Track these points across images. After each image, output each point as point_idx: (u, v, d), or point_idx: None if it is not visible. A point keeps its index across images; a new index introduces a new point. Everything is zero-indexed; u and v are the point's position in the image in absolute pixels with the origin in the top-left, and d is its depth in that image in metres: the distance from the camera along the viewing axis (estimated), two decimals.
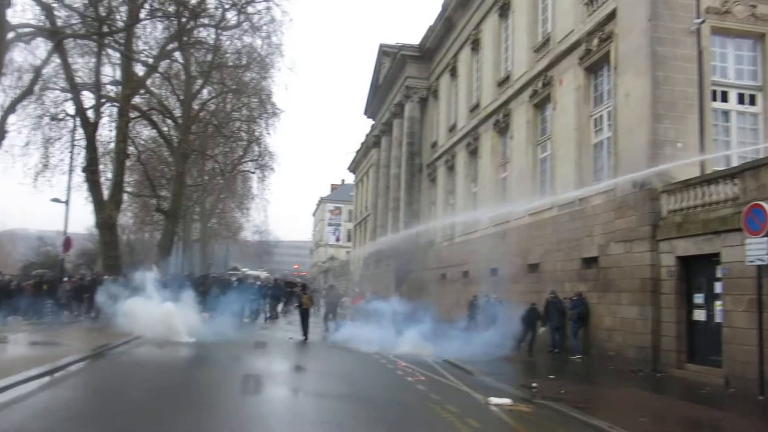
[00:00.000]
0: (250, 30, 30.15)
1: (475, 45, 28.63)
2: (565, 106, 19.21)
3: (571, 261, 17.97)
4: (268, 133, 38.63)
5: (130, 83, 26.68)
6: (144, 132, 38.48)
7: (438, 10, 32.50)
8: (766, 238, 10.79)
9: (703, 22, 14.86)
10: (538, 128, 21.81)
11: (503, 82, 24.83)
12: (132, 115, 29.07)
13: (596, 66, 17.93)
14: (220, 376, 12.03)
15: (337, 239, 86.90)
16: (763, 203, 10.96)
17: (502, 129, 24.76)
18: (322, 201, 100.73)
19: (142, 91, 30.08)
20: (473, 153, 28.19)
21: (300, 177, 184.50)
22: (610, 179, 16.45)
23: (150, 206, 41.44)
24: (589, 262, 17.01)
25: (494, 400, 10.22)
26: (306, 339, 20.31)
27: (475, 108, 28.22)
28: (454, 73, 32.02)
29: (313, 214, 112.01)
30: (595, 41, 17.44)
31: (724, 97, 15.41)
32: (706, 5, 15.07)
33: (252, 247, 73.87)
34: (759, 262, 10.87)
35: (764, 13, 15.33)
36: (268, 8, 28.71)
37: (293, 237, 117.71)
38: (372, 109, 48.83)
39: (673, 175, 14.31)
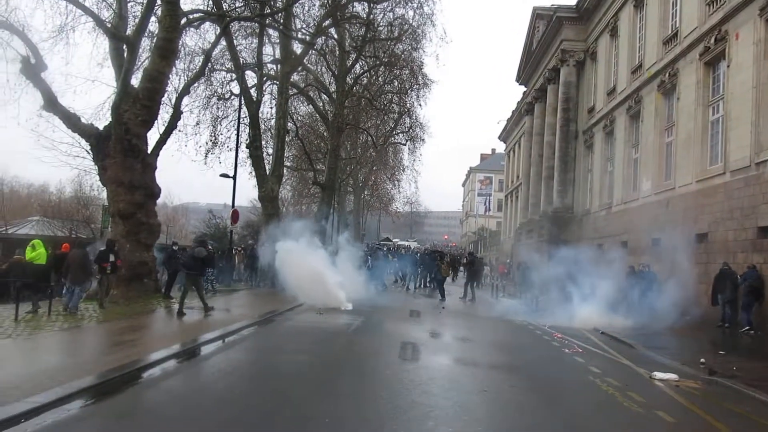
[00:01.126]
0: (402, 1, 30.67)
1: (639, 1, 27.05)
2: (742, 63, 17.79)
3: (745, 230, 16.82)
4: (419, 105, 39.32)
5: (288, 61, 28.17)
6: (301, 108, 40.69)
7: None
8: None
9: None
10: (708, 88, 20.38)
11: (670, 40, 23.34)
12: (291, 92, 30.71)
13: None
14: (378, 343, 12.35)
15: (487, 210, 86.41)
16: None
17: (668, 90, 23.36)
18: (472, 171, 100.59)
19: (299, 69, 31.68)
20: (634, 117, 26.86)
21: (451, 147, 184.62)
22: None
23: (307, 179, 43.81)
24: (767, 231, 15.82)
25: (659, 374, 9.92)
26: (443, 300, 21.16)
27: (637, 69, 26.79)
28: (614, 33, 30.49)
29: (463, 185, 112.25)
30: None
31: None
32: None
33: (403, 218, 75.61)
34: None
35: None
36: None
37: (443, 208, 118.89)
38: (525, 75, 47.74)
39: None
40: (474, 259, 27.93)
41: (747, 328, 15.53)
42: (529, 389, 8.80)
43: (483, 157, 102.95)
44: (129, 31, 19.67)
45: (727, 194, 17.91)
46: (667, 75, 23.17)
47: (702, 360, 11.26)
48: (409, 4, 30.70)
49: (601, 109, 31.54)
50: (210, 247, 18.81)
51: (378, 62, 34.21)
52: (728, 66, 18.70)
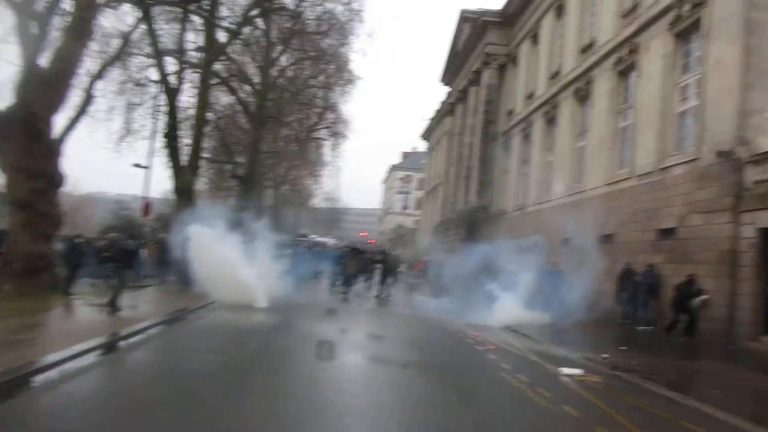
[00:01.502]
0: None
1: (560, 10, 28.03)
2: (651, 74, 18.75)
3: (647, 232, 17.75)
4: (344, 101, 39.16)
5: (212, 49, 27.40)
6: (222, 98, 39.53)
7: None
8: None
9: None
10: (620, 96, 21.37)
11: (587, 49, 24.31)
12: (212, 81, 29.87)
13: (686, 33, 17.39)
14: (293, 341, 12.14)
15: (406, 207, 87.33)
16: None
17: (583, 97, 24.33)
18: (393, 168, 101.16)
19: (222, 58, 30.86)
20: (551, 121, 27.83)
21: (372, 144, 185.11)
22: (693, 148, 16.08)
23: (225, 172, 42.76)
24: (666, 233, 16.77)
25: (565, 370, 10.24)
26: (346, 294, 22.50)
27: (555, 75, 27.76)
28: (535, 39, 31.49)
29: (384, 182, 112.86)
30: (687, 7, 16.92)
31: None
32: None
33: (322, 214, 74.97)
34: None
35: None
36: None
37: (363, 204, 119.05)
38: (449, 76, 48.54)
39: (760, 145, 13.89)
40: (387, 256, 27.79)
41: (645, 325, 16.38)
42: (442, 386, 8.91)
43: (405, 155, 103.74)
44: (38, 7, 18.56)
45: (633, 198, 18.84)
46: (583, 82, 24.12)
47: (604, 355, 11.78)
48: None
49: (520, 112, 32.49)
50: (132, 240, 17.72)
51: (304, 56, 33.86)
52: (638, 76, 19.65)
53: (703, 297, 14.13)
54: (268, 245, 21.90)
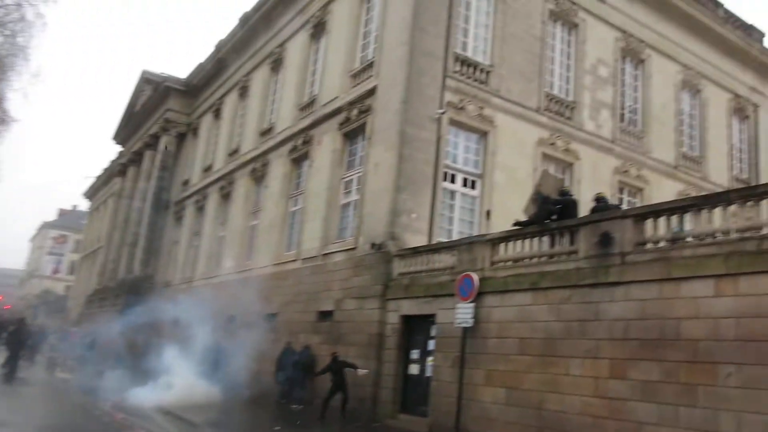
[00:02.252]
0: None
1: (244, 91, 29.10)
2: (321, 166, 20.40)
3: (308, 313, 18.76)
4: None
5: None
6: None
7: (211, 49, 32.58)
8: (472, 304, 12.64)
9: (444, 112, 17.16)
10: (293, 182, 22.73)
11: (266, 133, 25.54)
12: None
13: (353, 134, 19.43)
14: None
15: (57, 271, 78.69)
16: (472, 273, 12.88)
17: (259, 177, 25.29)
18: (46, 226, 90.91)
19: None
20: (226, 197, 28.21)
21: (24, 196, 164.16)
22: (352, 238, 17.76)
23: None
24: (325, 315, 17.96)
25: None
26: None
27: (234, 153, 28.44)
28: (218, 114, 32.01)
29: (32, 240, 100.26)
30: (355, 111, 18.99)
31: (453, 179, 17.75)
32: (448, 99, 17.46)
33: None
34: (465, 324, 12.66)
35: (488, 115, 18.21)
36: (19, 5, 26.06)
37: (1, 264, 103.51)
38: (123, 135, 46.18)
39: (406, 241, 16.02)
40: (20, 327, 24.13)
41: (299, 404, 17.09)
42: None
43: (62, 212, 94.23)
44: None
45: (297, 279, 19.89)
46: (260, 163, 25.11)
47: None
48: (0, 29, 27.11)
49: (196, 183, 32.31)
50: None
51: None
52: (310, 166, 21.24)
53: (363, 371, 15.11)
54: None
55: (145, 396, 16.80)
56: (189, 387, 17.85)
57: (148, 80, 39.88)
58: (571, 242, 11.57)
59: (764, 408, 8.06)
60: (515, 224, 13.51)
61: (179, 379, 18.09)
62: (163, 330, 23.06)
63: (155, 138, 37.50)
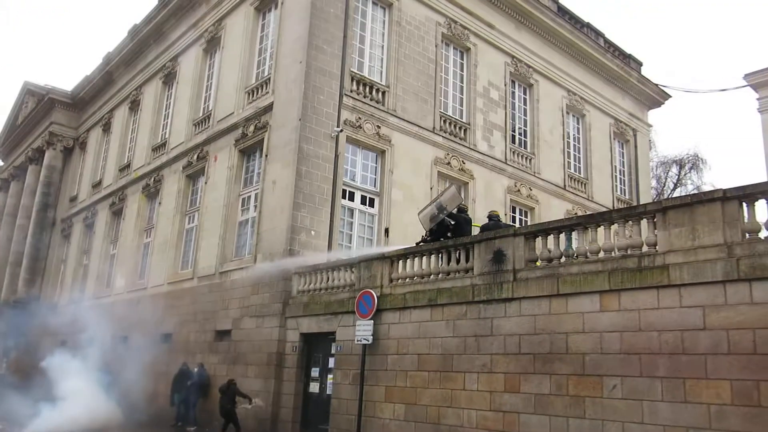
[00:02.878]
0: None
1: (134, 105, 28.03)
2: (217, 182, 19.95)
3: (205, 332, 18.26)
4: None
5: None
6: None
7: (99, 61, 31.20)
8: (371, 321, 12.74)
9: (341, 131, 17.27)
10: (188, 198, 22.08)
11: (159, 148, 24.69)
12: None
13: (250, 150, 19.17)
14: None
15: None
16: (371, 290, 13.00)
17: (152, 194, 24.38)
18: None
19: None
20: (117, 213, 27.00)
21: None
22: (250, 256, 17.46)
23: None
24: (223, 334, 17.54)
25: None
26: None
27: (125, 168, 27.29)
28: (107, 128, 30.62)
29: None
30: (252, 128, 18.75)
31: (351, 197, 17.87)
32: (345, 117, 17.60)
33: None
34: (365, 341, 12.73)
35: (385, 134, 18.51)
36: None
37: None
38: (5, 149, 43.21)
39: (306, 258, 15.94)
40: None
41: (194, 425, 16.54)
42: None
43: None
44: None
45: (194, 298, 19.29)
46: (152, 179, 24.22)
47: None
48: None
49: (85, 200, 30.75)
50: None
51: None
52: (206, 182, 20.72)
53: (255, 402, 14.82)
54: None
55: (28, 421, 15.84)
56: (84, 411, 16.98)
57: (31, 92, 37.58)
58: (467, 259, 11.93)
59: (647, 418, 8.57)
60: (419, 243, 13.78)
61: (71, 403, 17.16)
62: (52, 352, 21.84)
63: (40, 152, 35.39)
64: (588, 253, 10.13)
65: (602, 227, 10.24)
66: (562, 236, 10.81)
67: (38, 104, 35.83)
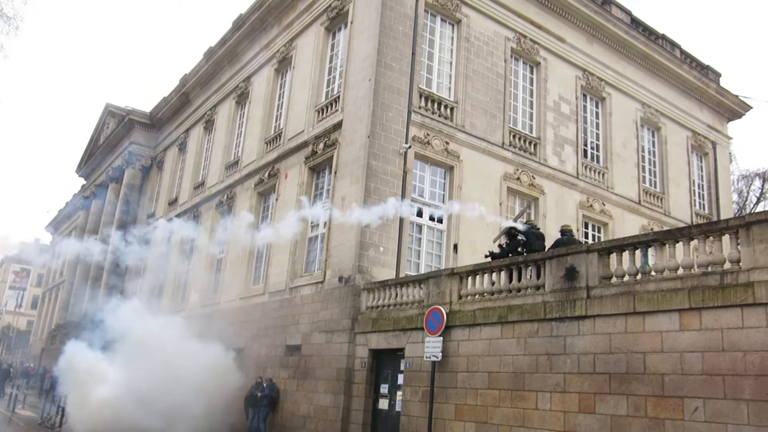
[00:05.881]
0: None
1: (209, 125, 29.01)
2: (287, 199, 20.34)
3: (276, 347, 18.52)
4: None
5: None
6: None
7: (176, 83, 32.51)
8: (440, 338, 12.62)
9: (409, 147, 17.32)
10: (260, 215, 22.58)
11: (232, 166, 25.42)
12: None
13: (319, 167, 19.47)
14: None
15: (18, 306, 76.26)
16: (440, 307, 12.89)
17: (225, 210, 25.07)
18: (7, 260, 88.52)
19: None
20: (192, 230, 27.80)
21: None
22: (320, 271, 17.64)
23: None
24: (293, 349, 17.75)
25: None
26: None
27: (199, 186, 28.21)
28: (183, 147, 31.80)
29: None
30: (321, 145, 19.06)
31: (420, 213, 17.86)
32: (414, 134, 17.65)
33: None
34: (434, 358, 12.61)
35: (454, 150, 18.44)
36: None
37: None
38: (87, 168, 45.56)
39: (374, 274, 15.99)
40: None
41: None
42: None
43: (23, 245, 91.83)
44: None
45: (264, 313, 19.64)
46: (225, 196, 24.93)
47: None
48: None
49: (161, 217, 31.88)
50: None
51: None
52: (277, 199, 21.16)
53: None
54: None
55: None
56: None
57: (112, 113, 39.57)
58: (538, 276, 11.68)
59: None
60: (487, 255, 13.62)
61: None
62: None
63: (120, 171, 37.05)
64: (666, 270, 9.75)
65: (681, 243, 9.83)
66: (638, 252, 10.46)
67: (118, 125, 37.61)
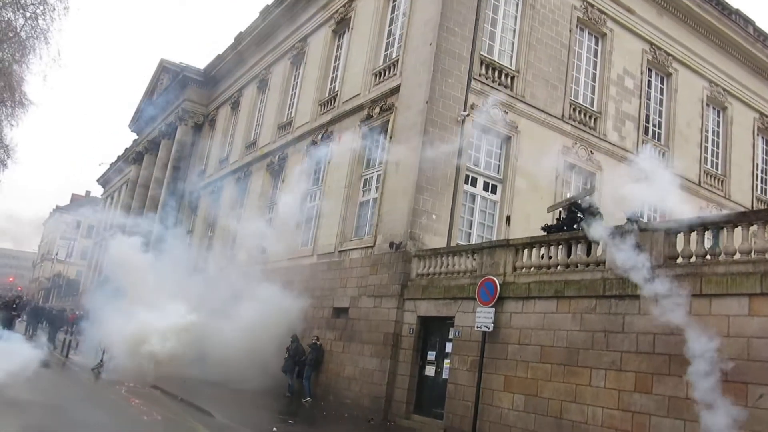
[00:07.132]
0: (14, 5, 26.91)
1: (263, 84, 29.02)
2: (340, 163, 20.26)
3: (323, 309, 18.67)
4: (11, 124, 34.39)
5: None
6: None
7: (231, 40, 32.54)
8: (493, 309, 12.51)
9: (468, 115, 17.01)
10: (311, 177, 22.60)
11: (284, 127, 25.45)
12: None
13: (374, 131, 19.33)
14: None
15: (69, 256, 78.91)
16: (494, 278, 12.75)
17: (276, 171, 25.20)
18: (59, 210, 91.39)
19: None
20: (242, 189, 28.14)
21: (38, 179, 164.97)
22: (370, 236, 17.64)
23: None
24: (340, 311, 17.87)
25: None
26: None
27: (251, 145, 28.38)
28: (236, 106, 31.97)
29: (44, 224, 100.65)
30: (378, 109, 18.86)
31: (474, 182, 17.60)
32: (472, 102, 17.32)
33: None
34: (485, 329, 12.53)
35: (512, 120, 18.06)
36: None
37: (13, 246, 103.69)
38: (139, 123, 46.26)
39: (425, 242, 15.90)
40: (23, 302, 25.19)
41: (308, 398, 17.01)
42: None
43: (74, 197, 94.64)
44: None
45: (312, 275, 19.79)
46: (277, 157, 25.02)
47: (274, 429, 11.89)
48: (22, 11, 27.06)
49: (212, 174, 32.31)
50: None
51: None
52: (329, 162, 21.12)
53: None
54: None
55: None
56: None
57: (166, 69, 39.93)
58: (598, 252, 11.41)
59: None
60: (543, 228, 13.37)
61: None
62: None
63: (172, 127, 37.54)
64: (738, 253, 9.40)
65: (756, 226, 9.44)
66: (708, 233, 10.11)
67: (172, 81, 37.95)
